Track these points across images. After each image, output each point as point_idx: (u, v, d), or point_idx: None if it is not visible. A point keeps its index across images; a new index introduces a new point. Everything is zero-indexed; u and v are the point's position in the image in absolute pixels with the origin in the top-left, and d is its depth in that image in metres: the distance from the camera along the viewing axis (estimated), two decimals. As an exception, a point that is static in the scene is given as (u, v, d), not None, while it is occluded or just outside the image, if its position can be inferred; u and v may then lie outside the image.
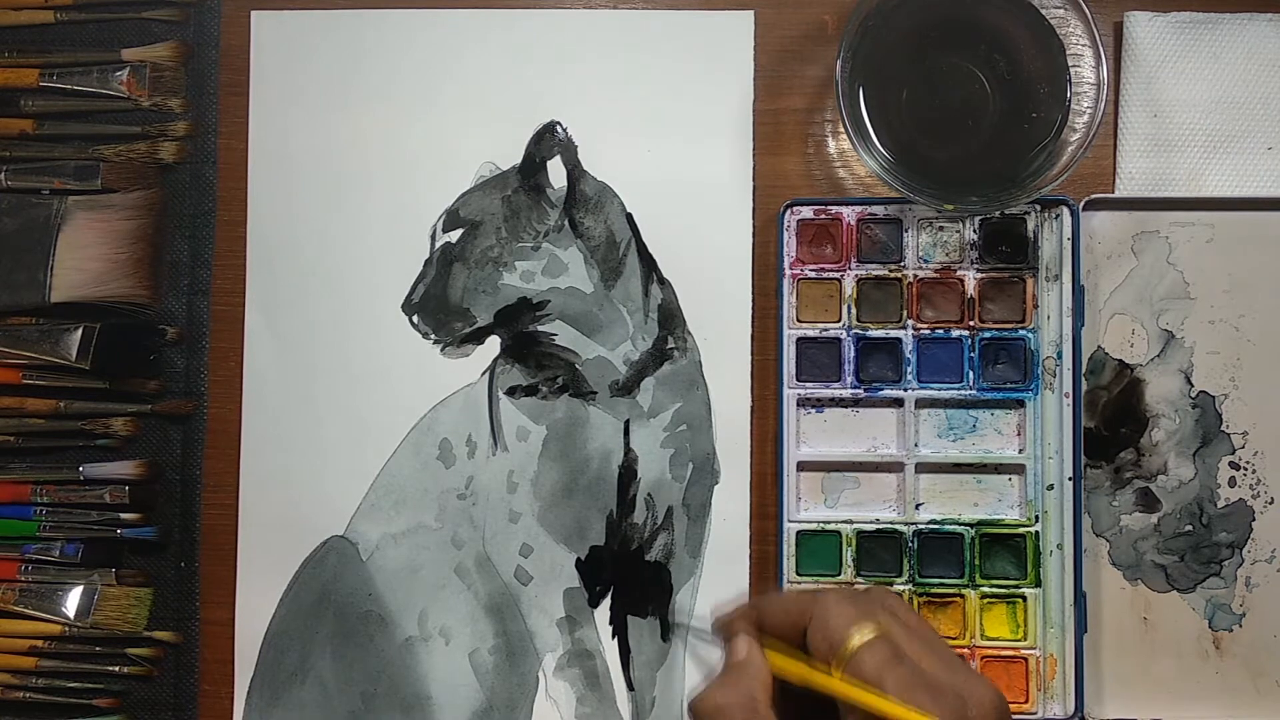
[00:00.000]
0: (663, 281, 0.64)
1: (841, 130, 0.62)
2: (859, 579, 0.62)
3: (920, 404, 0.63)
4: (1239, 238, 0.63)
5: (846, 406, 0.64)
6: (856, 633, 0.45)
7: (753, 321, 0.64)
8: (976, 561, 0.62)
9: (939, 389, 0.63)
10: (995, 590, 0.62)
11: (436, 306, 0.65)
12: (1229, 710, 0.63)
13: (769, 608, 0.48)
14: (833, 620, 0.45)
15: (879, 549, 0.63)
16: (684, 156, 0.65)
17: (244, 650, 0.64)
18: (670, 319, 0.64)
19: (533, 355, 0.64)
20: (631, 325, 0.64)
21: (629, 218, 0.65)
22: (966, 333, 0.63)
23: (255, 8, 0.66)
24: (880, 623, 0.45)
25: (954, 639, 0.62)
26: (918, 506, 0.63)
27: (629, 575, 0.64)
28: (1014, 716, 0.61)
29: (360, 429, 0.65)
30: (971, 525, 0.62)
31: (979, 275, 0.63)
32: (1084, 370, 0.63)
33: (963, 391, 0.63)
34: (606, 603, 0.64)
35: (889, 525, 0.63)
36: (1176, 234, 0.64)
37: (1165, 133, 0.64)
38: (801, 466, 0.63)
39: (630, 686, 0.64)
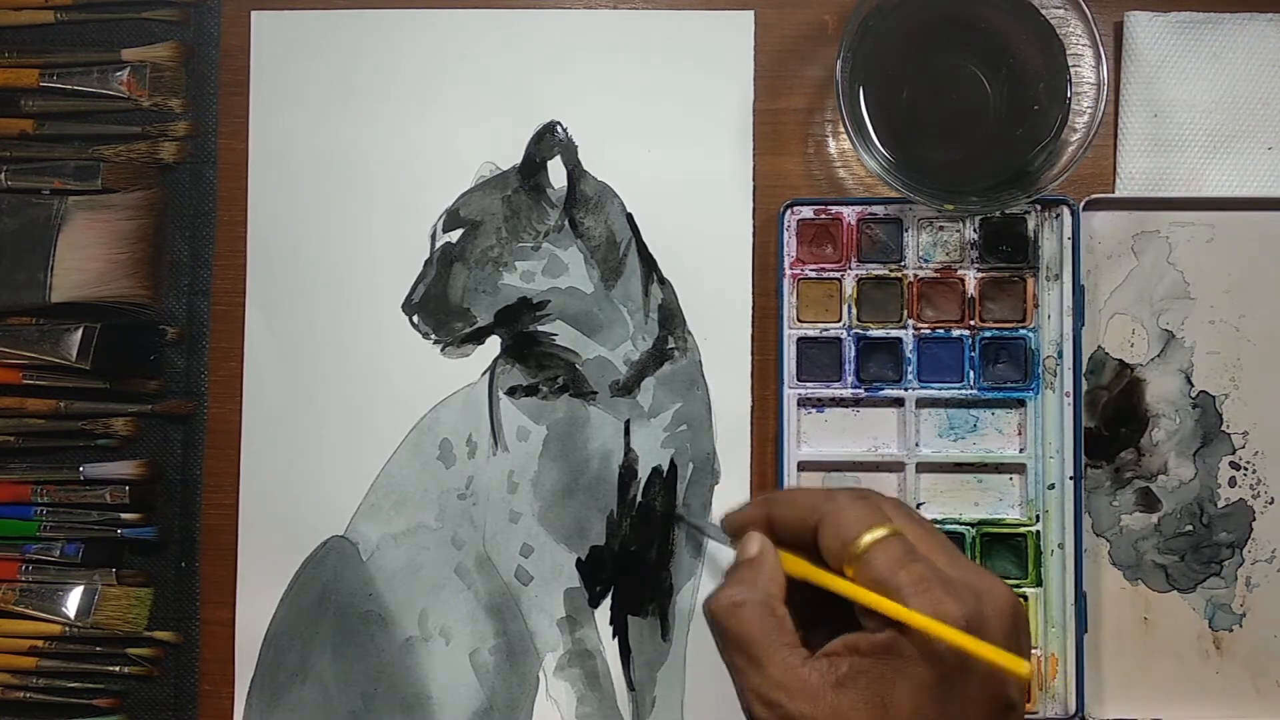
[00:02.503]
0: (663, 281, 0.64)
1: (841, 130, 0.62)
2: (859, 579, 0.62)
3: (921, 404, 0.63)
4: (1239, 238, 0.64)
5: (847, 406, 0.64)
6: (869, 532, 0.44)
7: (753, 321, 0.64)
8: (977, 561, 0.62)
9: (940, 389, 0.63)
10: (996, 590, 0.62)
11: (436, 306, 0.65)
12: (1229, 710, 0.63)
13: (779, 506, 0.48)
14: (845, 519, 0.45)
15: (879, 549, 0.63)
16: (684, 156, 0.65)
17: (244, 650, 0.64)
18: (670, 319, 0.64)
19: (533, 355, 0.64)
20: (632, 325, 0.64)
21: (629, 218, 0.65)
22: (967, 332, 0.63)
23: (255, 8, 0.66)
24: (893, 523, 0.45)
25: (954, 639, 0.62)
26: (919, 506, 0.63)
27: (629, 575, 0.64)
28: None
29: (360, 429, 0.65)
30: (972, 525, 0.63)
31: (979, 275, 0.63)
32: (1084, 370, 0.63)
33: (963, 391, 0.63)
34: (607, 603, 0.64)
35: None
36: (1176, 234, 0.64)
37: (1165, 133, 0.64)
38: (802, 466, 0.63)
39: (630, 686, 0.64)
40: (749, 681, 0.45)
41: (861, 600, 0.44)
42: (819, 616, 0.46)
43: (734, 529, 0.49)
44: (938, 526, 0.62)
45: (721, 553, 0.52)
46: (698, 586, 0.64)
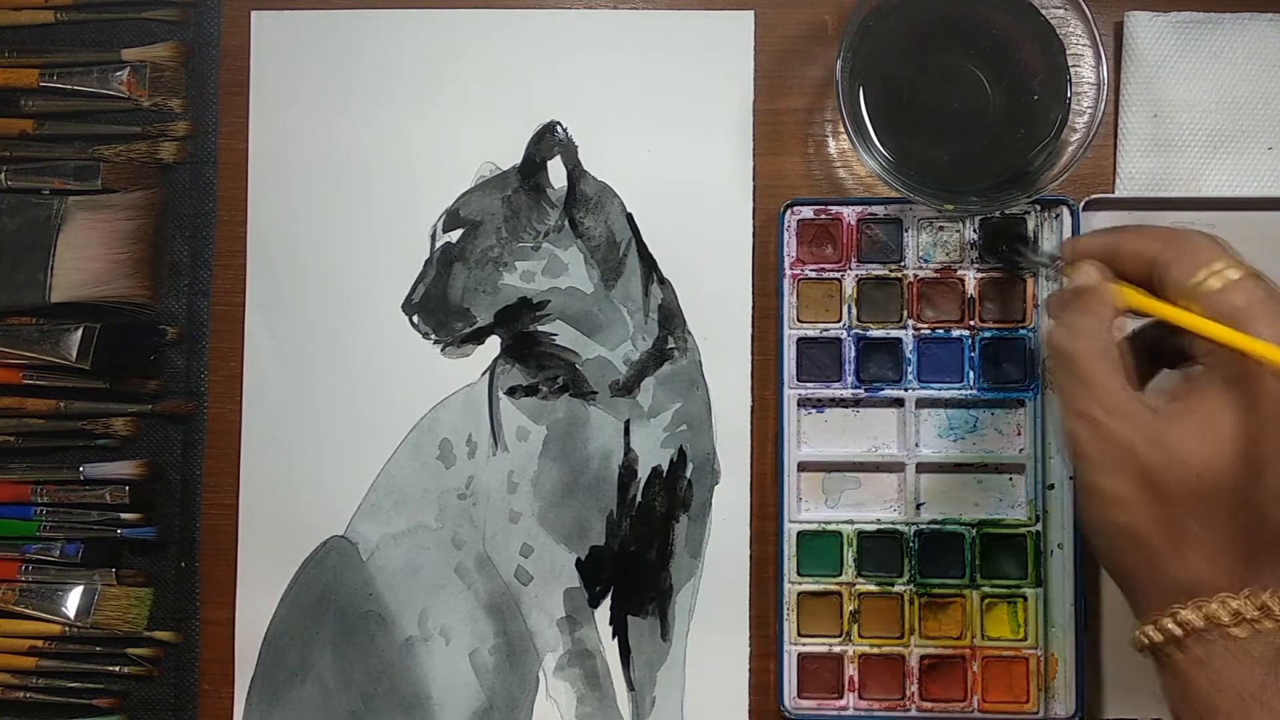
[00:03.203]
0: (663, 281, 0.65)
1: (841, 130, 0.62)
2: (860, 579, 0.62)
3: (921, 404, 0.63)
4: (1239, 238, 0.63)
5: (847, 406, 0.64)
6: (1224, 269, 0.43)
7: (753, 321, 0.64)
8: (978, 561, 0.62)
9: (940, 389, 0.63)
10: (996, 590, 0.62)
11: (436, 306, 0.65)
12: (1229, 710, 0.63)
13: (1125, 235, 0.46)
14: (1201, 254, 0.44)
15: (880, 549, 0.63)
16: (684, 156, 0.65)
17: (244, 650, 0.64)
18: (670, 319, 0.64)
19: (533, 355, 0.64)
20: (631, 325, 0.64)
21: (629, 218, 0.65)
22: (967, 332, 0.63)
23: (255, 8, 0.66)
24: (1248, 266, 0.43)
25: (955, 639, 0.62)
26: (919, 506, 0.63)
27: (629, 575, 0.64)
28: (1015, 718, 0.62)
29: (360, 429, 0.65)
30: (972, 525, 0.62)
31: (979, 275, 0.63)
32: (1084, 370, 0.63)
33: (963, 391, 0.63)
34: (606, 603, 0.64)
35: (890, 525, 0.63)
36: (1176, 234, 0.63)
37: (1165, 133, 0.64)
38: (802, 467, 0.63)
39: (630, 686, 0.64)
40: (1075, 401, 0.45)
41: (1208, 333, 0.42)
42: (1149, 371, 0.45)
43: (1072, 255, 0.48)
44: (937, 528, 0.62)
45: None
46: (698, 587, 0.64)
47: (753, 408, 0.64)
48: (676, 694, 0.63)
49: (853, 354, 0.63)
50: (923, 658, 0.62)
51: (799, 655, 0.62)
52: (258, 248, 0.66)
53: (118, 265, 0.64)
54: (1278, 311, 0.42)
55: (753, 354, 0.64)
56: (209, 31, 0.66)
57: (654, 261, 0.65)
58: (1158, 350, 0.48)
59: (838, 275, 0.63)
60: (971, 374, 0.63)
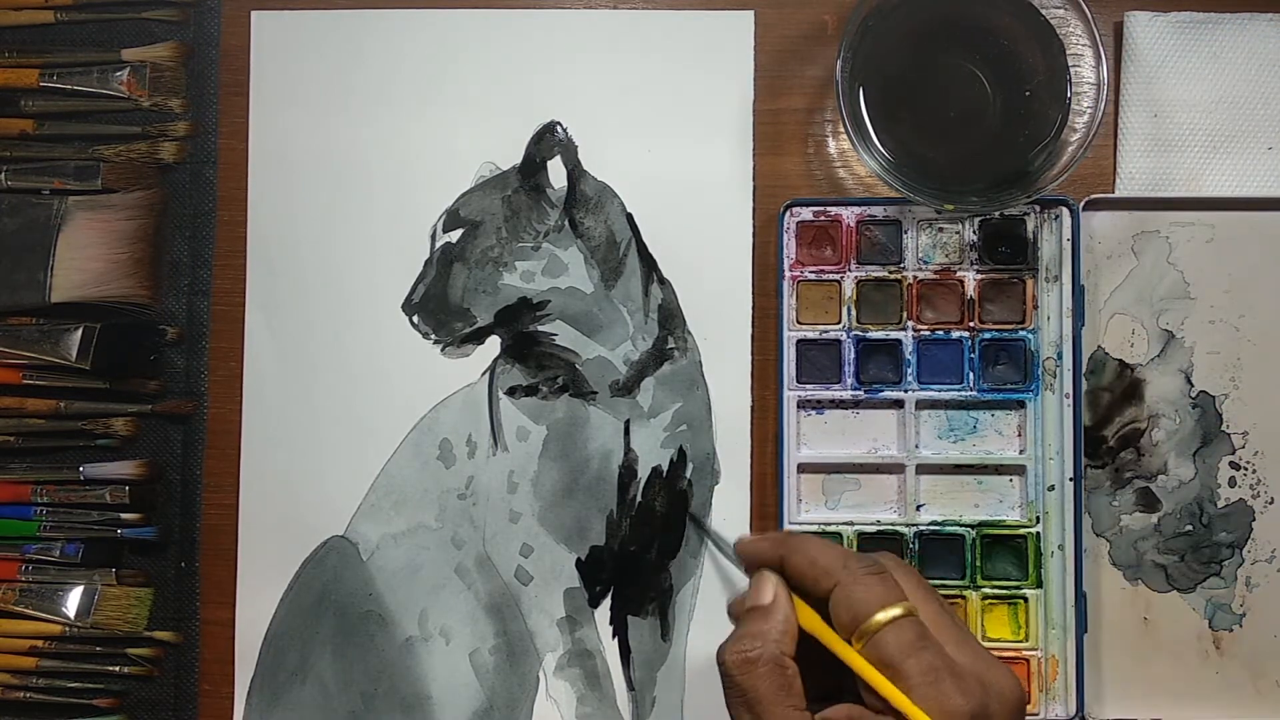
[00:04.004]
0: (663, 281, 0.64)
1: (841, 130, 0.62)
2: (859, 580, 0.62)
3: (920, 405, 0.63)
4: (1239, 238, 0.63)
5: (847, 408, 0.64)
6: (883, 610, 0.44)
7: (753, 321, 0.64)
8: (978, 563, 0.62)
9: (939, 390, 0.63)
10: (997, 591, 0.62)
11: (437, 306, 0.65)
12: (1229, 710, 0.63)
13: (796, 557, 0.47)
14: (860, 594, 0.45)
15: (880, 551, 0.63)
16: (684, 156, 0.65)
17: (244, 650, 0.64)
18: (670, 319, 0.64)
19: (533, 355, 0.64)
20: (631, 325, 0.64)
21: (629, 218, 0.65)
22: (967, 334, 0.63)
23: (255, 8, 0.66)
24: (907, 602, 0.45)
25: (954, 639, 0.62)
26: (919, 508, 0.63)
27: (629, 575, 0.64)
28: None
29: (360, 429, 0.65)
30: (972, 526, 0.62)
31: (979, 276, 0.63)
32: (1084, 370, 0.63)
33: (963, 393, 0.63)
34: (606, 603, 0.64)
35: (890, 527, 0.63)
36: (1176, 234, 0.64)
37: (1165, 133, 0.64)
38: (802, 468, 0.63)
39: (630, 686, 0.64)
40: None
41: (868, 679, 0.44)
42: (826, 668, 0.46)
43: (747, 559, 0.49)
44: (937, 529, 0.62)
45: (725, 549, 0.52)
46: (698, 587, 0.64)
47: (753, 408, 0.64)
48: (676, 694, 0.63)
49: (852, 356, 0.63)
50: (922, 658, 0.62)
51: (799, 656, 0.62)
52: (258, 248, 0.66)
53: (118, 265, 0.64)
54: (929, 661, 0.43)
55: (753, 354, 0.64)
56: (209, 31, 0.66)
57: (654, 261, 0.65)
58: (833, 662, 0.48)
59: (837, 277, 0.63)
60: (971, 375, 0.63)
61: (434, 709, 0.63)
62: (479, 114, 0.65)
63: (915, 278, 0.63)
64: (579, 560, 0.64)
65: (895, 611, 0.44)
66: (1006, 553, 0.63)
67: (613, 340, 0.64)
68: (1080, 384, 0.62)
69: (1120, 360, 0.64)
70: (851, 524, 0.63)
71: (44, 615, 0.64)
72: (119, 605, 0.64)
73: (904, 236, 0.63)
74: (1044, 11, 0.60)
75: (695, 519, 0.63)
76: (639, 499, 0.64)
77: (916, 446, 0.63)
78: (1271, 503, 0.63)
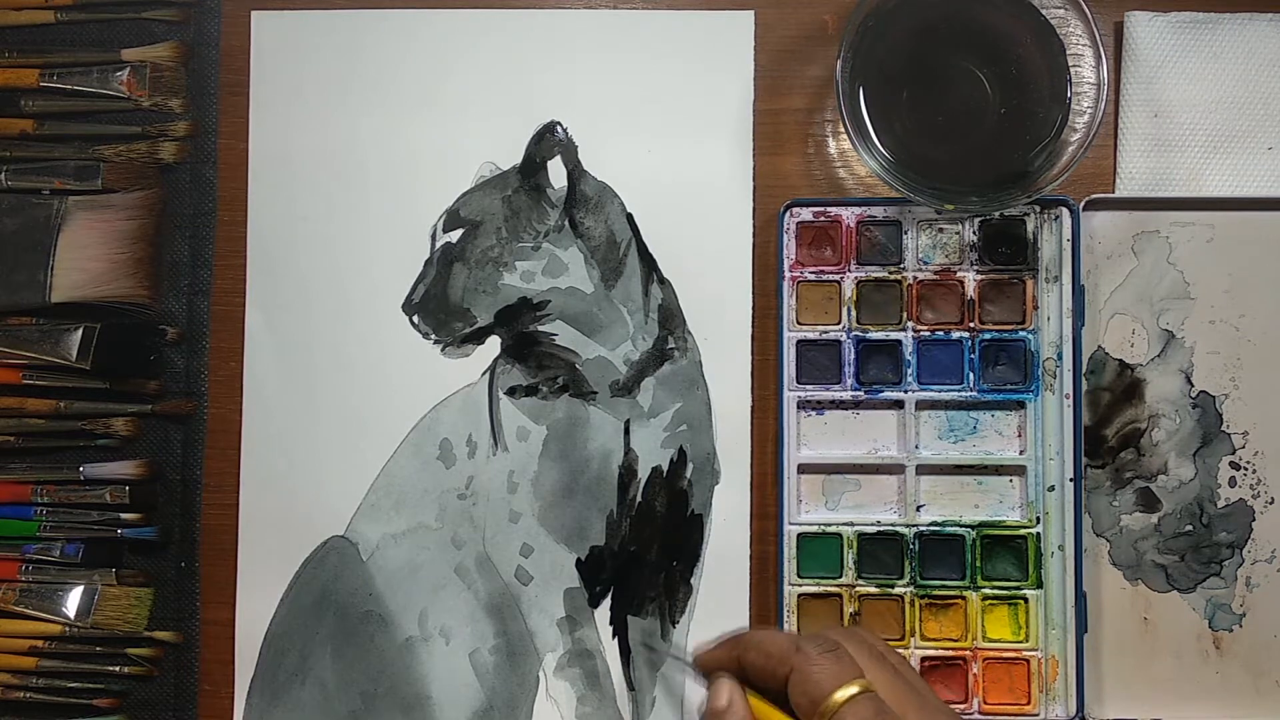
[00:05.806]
0: (663, 281, 0.64)
1: (841, 130, 0.62)
2: (860, 581, 0.62)
3: (921, 406, 0.63)
4: (1239, 238, 0.63)
5: (847, 409, 0.64)
6: (839, 690, 0.44)
7: (753, 321, 0.64)
8: (978, 563, 0.62)
9: (939, 391, 0.63)
10: (997, 592, 0.62)
11: (437, 306, 0.65)
12: (1229, 710, 0.63)
13: (749, 653, 0.48)
14: (815, 676, 0.45)
15: (880, 551, 0.63)
16: (684, 156, 0.65)
17: (244, 650, 0.64)
18: (670, 319, 0.64)
19: (533, 355, 0.64)
20: (631, 325, 0.64)
21: (629, 218, 0.65)
22: (967, 334, 0.63)
23: (255, 8, 0.66)
24: (864, 678, 0.45)
25: (956, 641, 0.62)
26: (919, 508, 0.63)
27: (629, 575, 0.64)
28: (1016, 719, 0.62)
29: (360, 429, 0.65)
30: (972, 527, 0.62)
31: (979, 277, 0.63)
32: (1084, 370, 0.63)
33: (963, 393, 0.63)
34: (606, 603, 0.64)
35: (890, 527, 0.63)
36: (1176, 234, 0.64)
37: (1165, 133, 0.64)
38: (802, 469, 0.63)
39: (630, 686, 0.64)
40: None
41: None
42: None
43: (705, 668, 0.49)
44: (937, 529, 0.62)
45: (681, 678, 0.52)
46: (698, 587, 0.63)
47: (753, 407, 0.64)
48: (676, 694, 0.63)
49: (852, 356, 0.63)
50: (923, 659, 0.62)
51: (799, 656, 0.62)
52: (258, 248, 0.66)
53: (118, 265, 0.64)
54: None
55: (753, 354, 0.64)
56: (209, 31, 0.66)
57: (654, 261, 0.65)
58: None
59: (837, 277, 0.63)
60: (971, 376, 0.63)
61: (434, 709, 0.63)
62: (479, 114, 0.65)
63: (915, 278, 0.63)
64: (579, 560, 0.64)
65: (852, 690, 0.44)
66: (1006, 553, 0.63)
67: (613, 340, 0.64)
68: (1080, 384, 0.62)
69: (1120, 360, 0.64)
70: (851, 524, 0.63)
71: (44, 615, 0.64)
72: (119, 605, 0.64)
73: (904, 237, 0.63)
74: (1044, 11, 0.60)
75: (651, 648, 0.63)
76: (639, 499, 0.64)
77: (916, 447, 0.63)
78: (1271, 503, 0.63)
